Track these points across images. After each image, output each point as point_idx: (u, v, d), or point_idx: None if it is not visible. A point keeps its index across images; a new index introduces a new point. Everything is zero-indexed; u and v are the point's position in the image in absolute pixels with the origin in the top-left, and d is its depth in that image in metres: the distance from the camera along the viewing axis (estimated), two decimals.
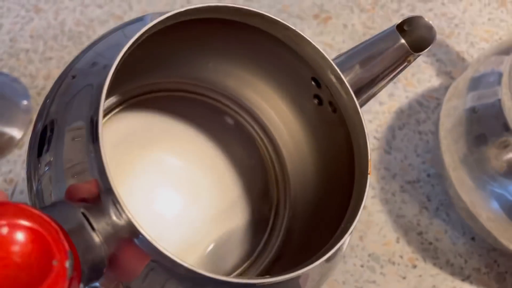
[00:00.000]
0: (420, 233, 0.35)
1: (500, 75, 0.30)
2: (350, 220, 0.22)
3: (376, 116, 0.39)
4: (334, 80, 0.23)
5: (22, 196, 0.38)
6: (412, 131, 0.39)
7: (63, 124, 0.19)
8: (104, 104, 0.18)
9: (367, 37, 0.43)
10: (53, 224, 0.14)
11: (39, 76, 0.44)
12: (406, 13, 0.44)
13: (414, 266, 0.34)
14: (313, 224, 0.26)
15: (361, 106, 0.24)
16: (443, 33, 0.43)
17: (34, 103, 0.43)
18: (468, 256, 0.34)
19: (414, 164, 0.37)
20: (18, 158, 0.40)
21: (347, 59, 0.24)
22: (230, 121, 0.28)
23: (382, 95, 0.40)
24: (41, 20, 0.47)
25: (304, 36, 0.22)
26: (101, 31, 0.46)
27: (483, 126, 0.30)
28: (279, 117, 0.28)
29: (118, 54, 0.19)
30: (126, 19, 0.46)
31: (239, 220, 0.27)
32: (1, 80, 0.44)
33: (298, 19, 0.45)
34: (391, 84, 0.41)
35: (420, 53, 0.23)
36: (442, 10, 0.44)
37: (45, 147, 0.19)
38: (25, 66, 0.45)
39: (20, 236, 0.14)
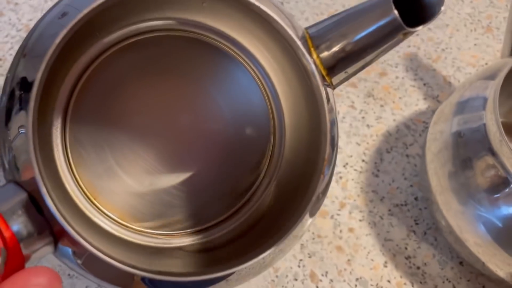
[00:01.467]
0: (408, 257, 0.34)
1: (485, 100, 0.30)
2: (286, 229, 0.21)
3: (364, 139, 0.39)
4: (306, 64, 0.21)
5: None
6: (400, 154, 0.39)
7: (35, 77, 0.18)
8: (45, 68, 0.18)
9: None
10: None
11: None
12: None
13: None
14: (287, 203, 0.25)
15: (341, 83, 0.23)
16: (430, 57, 0.44)
17: None
18: (456, 281, 0.34)
19: (402, 187, 0.37)
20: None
21: (328, 28, 0.21)
22: (232, 63, 0.25)
23: (370, 118, 0.40)
24: None
25: (272, 15, 0.20)
26: None
27: (469, 150, 0.31)
28: (278, 67, 0.25)
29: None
30: None
31: (222, 175, 0.26)
32: None
33: None
34: (378, 107, 0.41)
35: (416, 28, 0.20)
36: (429, 35, 0.45)
37: (16, 108, 0.19)
38: None
39: None
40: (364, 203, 0.37)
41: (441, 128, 0.32)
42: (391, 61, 0.43)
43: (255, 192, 0.26)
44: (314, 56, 0.21)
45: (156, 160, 0.25)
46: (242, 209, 0.26)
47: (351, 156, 0.39)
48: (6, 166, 0.19)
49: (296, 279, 0.34)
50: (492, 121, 0.28)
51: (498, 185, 0.30)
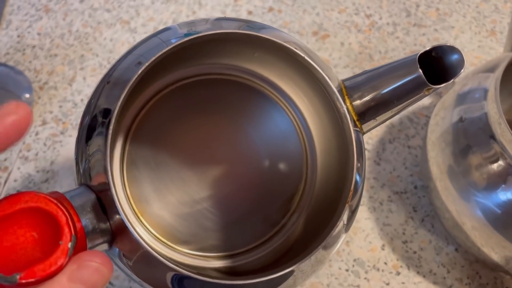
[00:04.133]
0: (405, 242, 0.35)
1: (486, 90, 0.31)
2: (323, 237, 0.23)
3: None
4: (339, 107, 0.24)
5: (16, 183, 0.39)
6: (402, 145, 0.40)
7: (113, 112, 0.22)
8: (123, 100, 0.21)
9: (363, 55, 0.45)
10: (65, 211, 0.19)
11: (43, 71, 0.45)
12: (401, 36, 0.46)
13: (398, 273, 0.34)
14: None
15: (370, 130, 0.25)
16: None
17: (36, 96, 0.44)
18: (451, 266, 0.34)
19: (402, 176, 0.38)
20: (14, 147, 0.41)
21: (361, 81, 0.24)
22: (273, 106, 0.28)
23: None
24: (49, 19, 0.49)
25: (312, 63, 0.23)
26: (107, 33, 0.48)
27: (469, 138, 0.32)
28: (314, 111, 0.27)
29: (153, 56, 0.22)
30: (133, 24, 0.48)
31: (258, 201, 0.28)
32: (6, 72, 0.45)
33: (298, 35, 0.47)
34: None
35: (439, 86, 0.22)
36: (435, 36, 0.46)
37: (96, 132, 0.22)
38: (30, 61, 0.46)
39: (40, 217, 0.18)
40: (365, 189, 0.38)
41: (442, 116, 0.34)
42: (397, 58, 0.45)
43: (285, 224, 0.28)
44: (348, 103, 0.24)
45: (198, 186, 0.27)
46: (272, 239, 0.28)
47: None
48: (81, 171, 0.23)
49: None
50: (494, 109, 0.30)
51: (497, 172, 0.31)
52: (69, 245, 0.18)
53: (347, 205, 0.23)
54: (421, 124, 0.41)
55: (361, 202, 0.37)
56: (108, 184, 0.20)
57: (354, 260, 0.35)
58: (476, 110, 0.32)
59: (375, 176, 0.38)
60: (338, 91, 0.24)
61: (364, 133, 0.25)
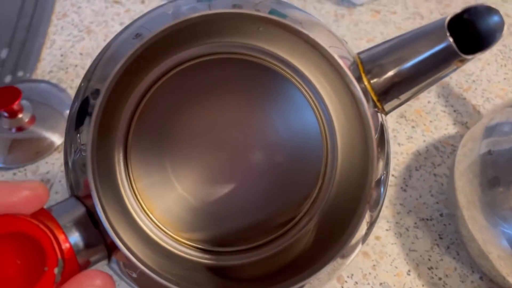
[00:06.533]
0: (430, 268, 0.36)
1: None
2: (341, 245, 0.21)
3: (395, 155, 0.42)
4: (354, 91, 0.21)
5: (57, 196, 0.41)
6: (428, 173, 0.41)
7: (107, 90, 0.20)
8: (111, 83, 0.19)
9: None
10: (48, 233, 0.17)
11: None
12: None
13: None
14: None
15: (393, 109, 0.22)
16: (461, 87, 0.46)
17: None
18: None
19: (428, 203, 0.39)
20: (56, 160, 0.43)
21: (380, 54, 0.21)
22: (287, 84, 0.24)
23: (401, 137, 0.43)
24: (91, 40, 0.52)
25: (320, 43, 0.21)
26: None
27: (497, 170, 0.33)
28: (332, 90, 0.23)
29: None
30: None
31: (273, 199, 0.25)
32: (49, 89, 0.47)
33: None
34: (409, 128, 0.44)
35: (474, 55, 0.19)
36: (461, 67, 0.48)
37: (88, 117, 0.20)
38: (72, 80, 0.48)
39: (21, 242, 0.17)
40: (392, 214, 0.39)
41: (470, 148, 0.35)
42: None
43: (293, 227, 0.25)
44: (365, 82, 0.21)
45: (207, 175, 0.25)
46: (279, 239, 0.25)
47: None
48: (70, 165, 0.20)
49: None
50: None
51: None
52: (55, 270, 0.17)
53: (367, 205, 0.21)
54: (447, 153, 0.42)
55: (388, 227, 0.38)
56: (91, 192, 0.19)
57: (380, 284, 0.36)
58: (505, 143, 0.33)
59: (401, 202, 0.39)
60: (354, 68, 0.21)
61: (386, 114, 0.23)
